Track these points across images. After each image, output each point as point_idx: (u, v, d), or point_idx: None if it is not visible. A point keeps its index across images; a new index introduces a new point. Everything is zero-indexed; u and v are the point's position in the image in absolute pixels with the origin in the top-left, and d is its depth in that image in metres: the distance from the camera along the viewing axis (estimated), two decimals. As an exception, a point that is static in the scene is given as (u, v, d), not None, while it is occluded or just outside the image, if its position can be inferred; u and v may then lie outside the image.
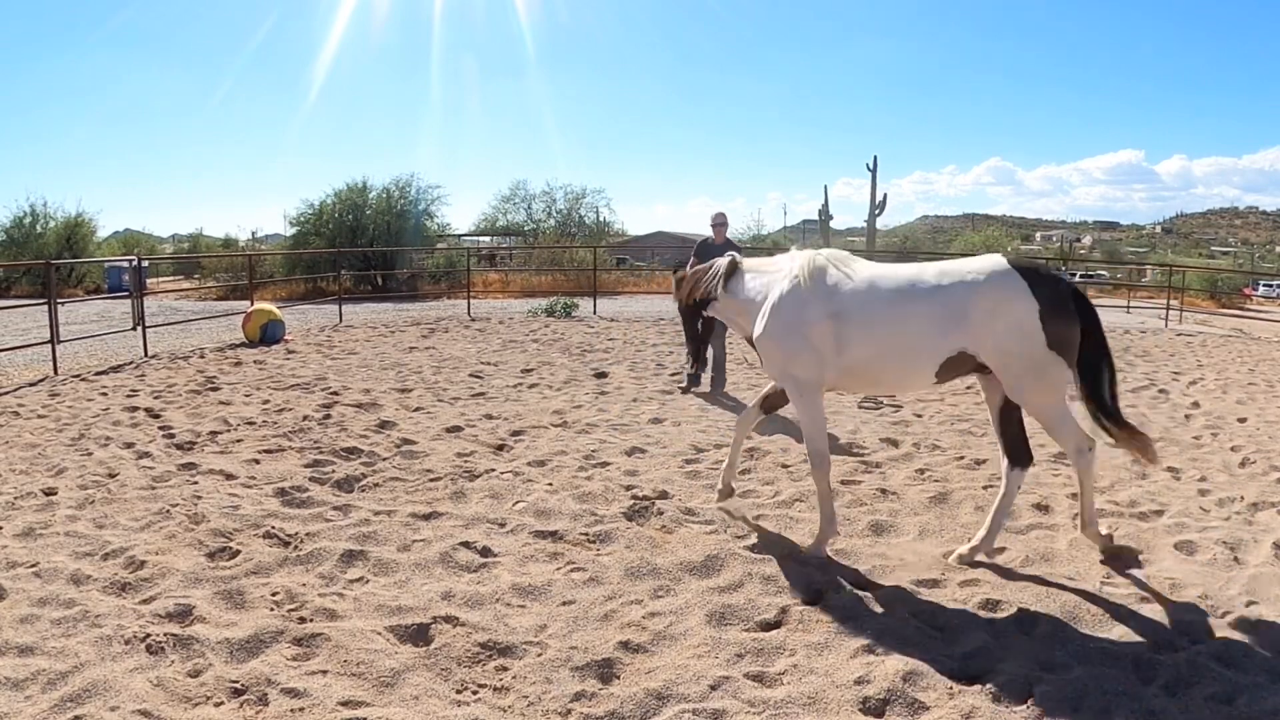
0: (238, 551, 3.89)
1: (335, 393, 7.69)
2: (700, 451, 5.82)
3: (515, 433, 6.33)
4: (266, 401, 7.30)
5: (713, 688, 2.81)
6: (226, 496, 4.68)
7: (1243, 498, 4.84)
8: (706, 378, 7.93)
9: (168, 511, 4.38)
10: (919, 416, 7.08)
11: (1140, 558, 3.97)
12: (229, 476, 5.06)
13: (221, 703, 2.72)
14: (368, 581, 3.65)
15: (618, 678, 2.91)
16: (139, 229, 53.64)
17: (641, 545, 4.04)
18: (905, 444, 6.05)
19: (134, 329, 11.66)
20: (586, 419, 6.81)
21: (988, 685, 2.83)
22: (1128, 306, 23.65)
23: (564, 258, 28.57)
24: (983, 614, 3.34)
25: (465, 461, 5.50)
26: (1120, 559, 3.90)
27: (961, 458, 5.69)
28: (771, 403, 4.46)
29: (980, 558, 3.91)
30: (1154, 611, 3.38)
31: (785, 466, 5.46)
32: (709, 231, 8.19)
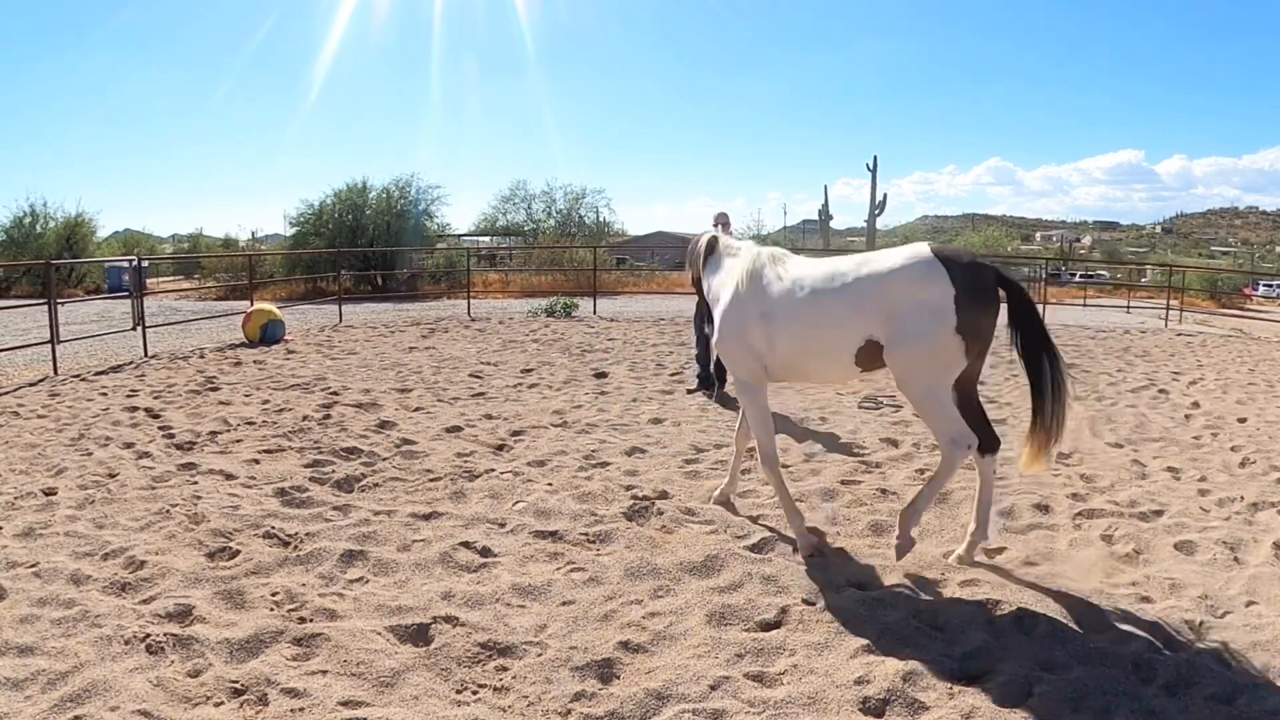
0: (238, 551, 3.89)
1: (335, 393, 7.69)
2: (700, 451, 5.82)
3: (515, 433, 6.33)
4: (266, 401, 7.30)
5: (713, 688, 2.81)
6: (226, 496, 4.68)
7: (1243, 498, 4.84)
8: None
9: (168, 511, 4.38)
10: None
11: (1142, 558, 3.97)
12: (229, 476, 5.06)
13: (221, 703, 2.72)
14: (368, 581, 3.65)
15: (618, 678, 2.91)
16: (139, 229, 53.75)
17: (641, 545, 4.03)
18: (905, 444, 6.05)
19: (134, 329, 11.66)
20: (586, 419, 6.81)
21: (988, 685, 2.83)
22: (1128, 306, 23.66)
23: (564, 258, 28.58)
24: (983, 614, 3.34)
25: (465, 461, 5.50)
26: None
27: (961, 458, 5.68)
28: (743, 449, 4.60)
29: (980, 556, 3.91)
30: (1154, 611, 3.38)
31: (785, 466, 5.45)
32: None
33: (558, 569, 3.78)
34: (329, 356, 10.22)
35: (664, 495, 4.78)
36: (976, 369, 3.81)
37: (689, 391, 8.02)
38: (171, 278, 34.15)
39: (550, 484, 4.99)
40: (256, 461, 5.43)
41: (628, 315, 16.13)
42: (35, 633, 3.13)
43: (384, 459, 5.53)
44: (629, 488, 4.89)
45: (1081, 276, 39.57)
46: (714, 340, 4.22)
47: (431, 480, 5.07)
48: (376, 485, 4.99)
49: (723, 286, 4.22)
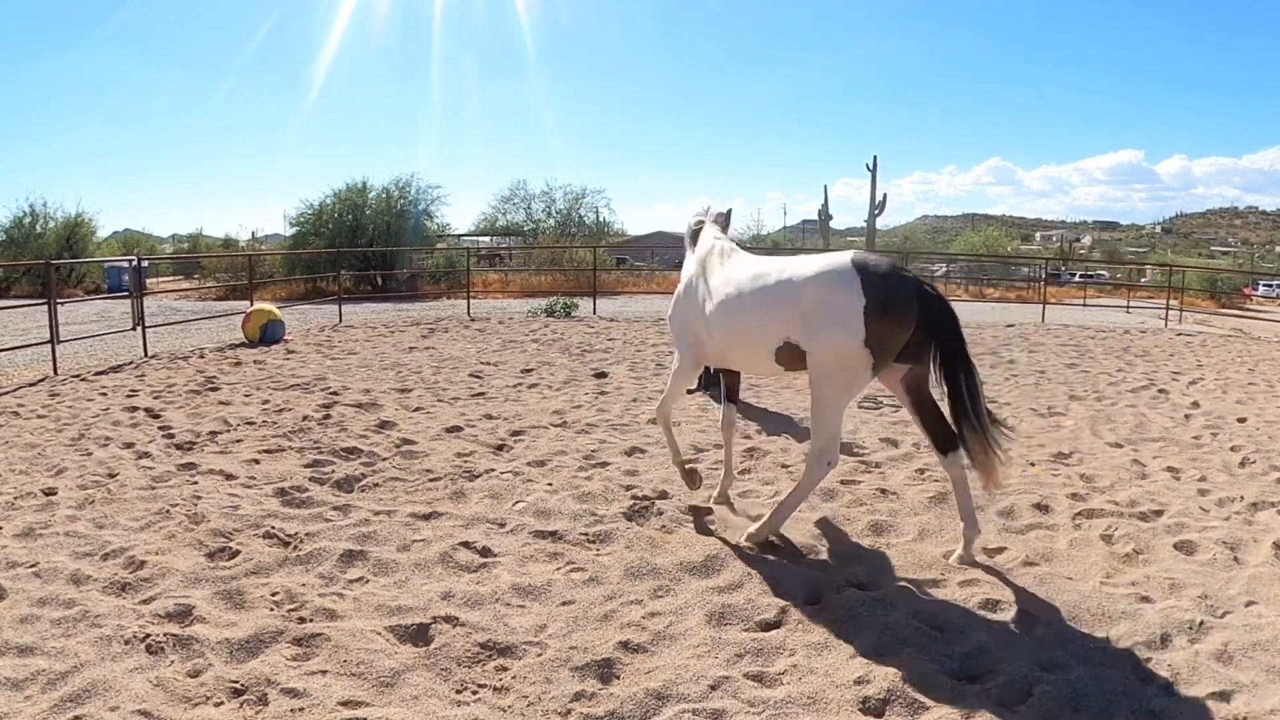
0: (237, 551, 3.89)
1: (335, 393, 7.69)
2: (700, 451, 5.82)
3: (515, 433, 6.33)
4: (266, 401, 7.30)
5: (713, 688, 2.81)
6: (226, 496, 4.68)
7: (1243, 498, 4.84)
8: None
9: (167, 511, 4.38)
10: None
11: (1142, 558, 3.97)
12: (229, 476, 5.06)
13: (221, 703, 2.72)
14: (368, 581, 3.64)
15: (618, 678, 2.91)
16: (139, 229, 53.75)
17: (641, 545, 4.03)
18: (905, 444, 6.05)
19: (134, 329, 11.66)
20: (586, 419, 6.81)
21: (988, 685, 2.83)
22: (1127, 306, 23.67)
23: (564, 258, 28.58)
24: (983, 614, 3.34)
25: (465, 461, 5.50)
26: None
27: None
28: (731, 389, 4.71)
29: (980, 556, 3.91)
30: (1154, 611, 3.38)
31: (785, 466, 5.46)
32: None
33: (558, 569, 3.78)
34: (329, 356, 10.22)
35: (664, 495, 4.78)
36: (924, 371, 3.79)
37: (689, 391, 8.01)
38: (171, 278, 34.14)
39: (550, 484, 4.99)
40: (256, 461, 5.43)
41: (628, 315, 16.13)
42: (35, 633, 3.13)
43: (384, 459, 5.53)
44: (629, 488, 4.89)
45: (1081, 276, 39.56)
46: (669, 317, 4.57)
47: (431, 480, 5.07)
48: (376, 485, 4.99)
49: (683, 272, 4.56)
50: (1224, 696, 2.77)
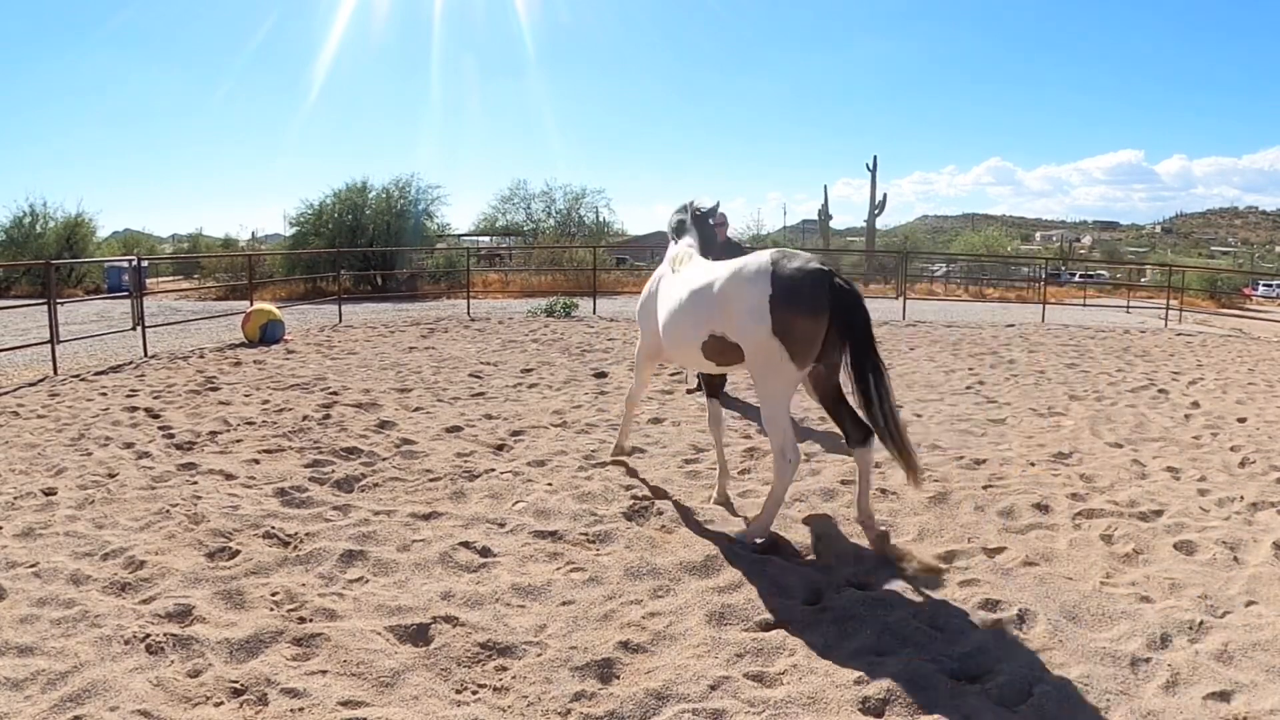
0: (237, 551, 3.89)
1: (335, 393, 7.69)
2: (700, 451, 5.81)
3: (515, 433, 6.33)
4: (266, 401, 7.30)
5: (713, 688, 2.81)
6: (226, 496, 4.68)
7: (1243, 498, 4.84)
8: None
9: (167, 511, 4.38)
10: (919, 416, 7.08)
11: (1142, 558, 3.97)
12: (229, 476, 5.06)
13: (221, 703, 2.72)
14: (367, 581, 3.64)
15: (618, 678, 2.91)
16: (139, 229, 53.79)
17: (641, 545, 4.03)
18: (905, 444, 6.04)
19: (134, 329, 11.66)
20: (586, 419, 6.81)
21: (988, 685, 2.83)
22: (1127, 306, 23.68)
23: (564, 258, 28.56)
24: (983, 614, 3.34)
25: (465, 461, 5.49)
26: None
27: (961, 458, 5.69)
28: (713, 387, 4.90)
29: (980, 557, 3.90)
30: (1154, 611, 3.38)
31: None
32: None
33: (558, 569, 3.78)
34: (329, 356, 10.22)
35: (664, 495, 4.78)
36: (835, 367, 3.89)
37: (689, 391, 8.01)
38: (171, 278, 34.13)
39: (550, 484, 4.99)
40: (256, 461, 5.43)
41: (628, 315, 16.13)
42: (35, 633, 3.13)
43: (384, 459, 5.53)
44: (629, 488, 4.89)
45: (1081, 276, 39.58)
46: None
47: (431, 480, 5.07)
48: (376, 485, 4.99)
49: (656, 270, 4.98)
50: (1224, 696, 2.77)
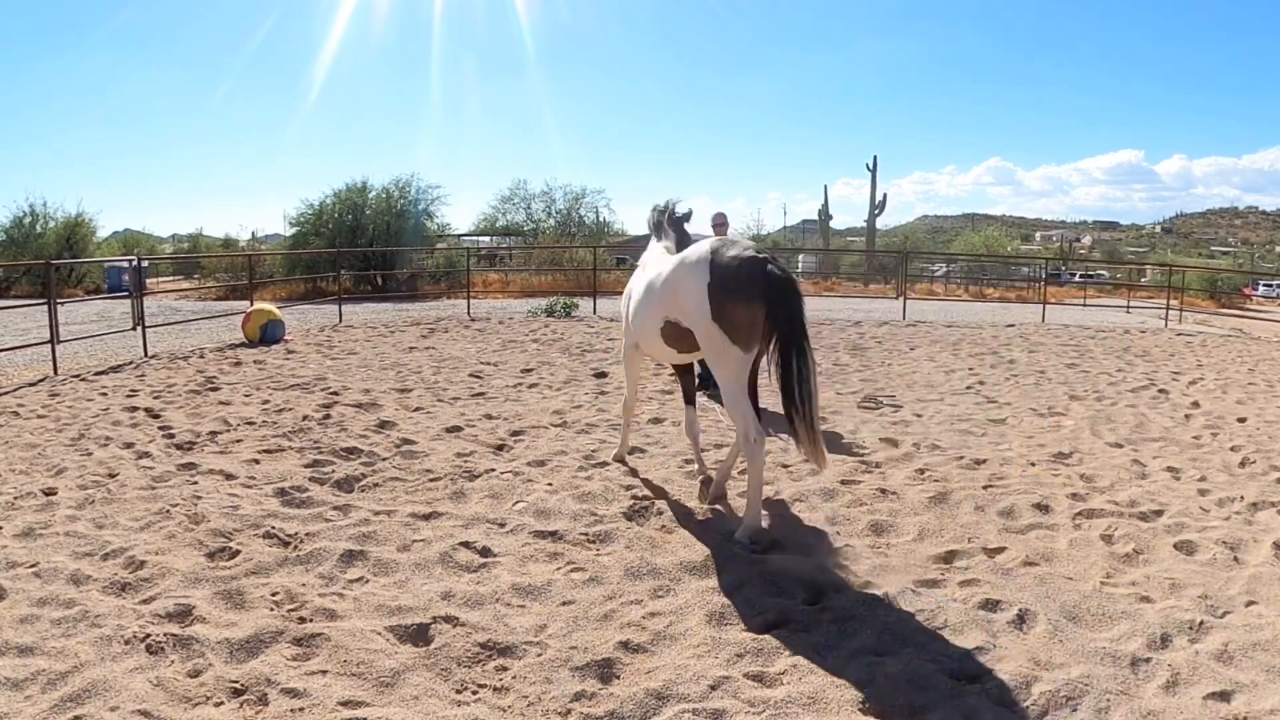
0: (238, 551, 3.89)
1: (335, 393, 7.69)
2: (700, 451, 5.81)
3: (515, 433, 6.33)
4: (266, 401, 7.30)
5: (713, 688, 2.81)
6: (226, 496, 4.68)
7: (1243, 498, 4.84)
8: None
9: (168, 511, 4.38)
10: (919, 416, 7.08)
11: (1142, 558, 3.97)
12: (229, 476, 5.06)
13: (221, 703, 2.72)
14: (368, 581, 3.65)
15: (618, 678, 2.91)
16: (139, 229, 53.83)
17: (641, 545, 4.04)
18: (905, 444, 6.05)
19: (134, 329, 11.66)
20: (586, 419, 6.81)
21: (988, 685, 2.83)
22: (1128, 306, 23.68)
23: (564, 258, 28.55)
24: (983, 614, 3.34)
25: (465, 461, 5.50)
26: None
27: (961, 458, 5.69)
28: (687, 392, 5.11)
29: (980, 556, 3.91)
30: (1154, 611, 3.38)
31: (785, 466, 5.46)
32: (710, 232, 8.19)
33: (558, 569, 3.78)
34: (329, 356, 10.22)
35: (664, 495, 4.78)
36: (760, 352, 4.01)
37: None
38: (171, 278, 34.12)
39: (550, 484, 4.99)
40: (256, 461, 5.43)
41: (628, 315, 16.12)
42: (35, 633, 3.13)
43: (384, 459, 5.53)
44: (629, 488, 4.89)
45: (1081, 276, 39.57)
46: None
47: (431, 480, 5.07)
48: (376, 485, 4.99)
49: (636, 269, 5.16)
50: (1224, 696, 2.77)
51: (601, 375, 8.98)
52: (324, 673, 2.89)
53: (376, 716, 2.66)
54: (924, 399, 7.84)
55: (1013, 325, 15.29)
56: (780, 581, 3.61)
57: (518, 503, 4.65)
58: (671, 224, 5.02)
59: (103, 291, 23.87)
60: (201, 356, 10.17)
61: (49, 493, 4.74)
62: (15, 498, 4.63)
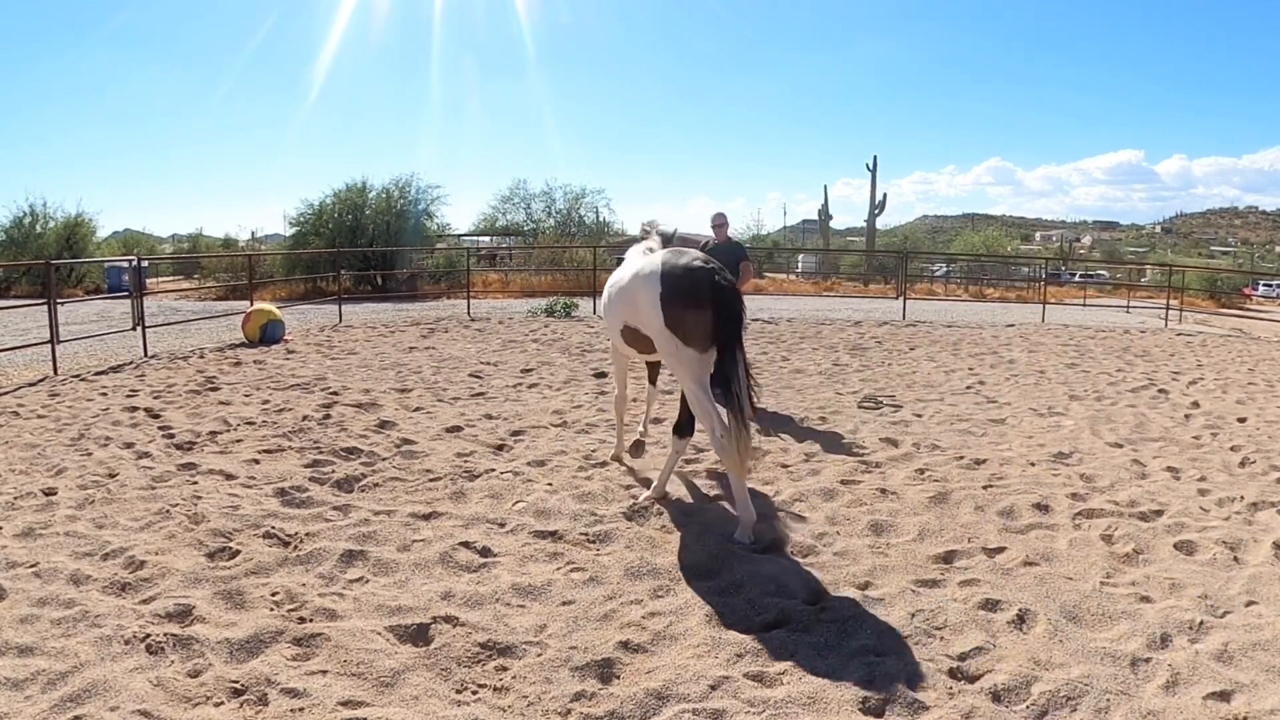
0: (238, 551, 3.89)
1: (335, 393, 7.69)
2: (700, 451, 5.81)
3: (515, 433, 6.33)
4: (266, 401, 7.30)
5: (713, 688, 2.81)
6: (226, 496, 4.68)
7: (1243, 498, 4.85)
8: None
9: (167, 511, 4.38)
10: (919, 416, 7.08)
11: (1142, 558, 3.97)
12: (229, 476, 5.06)
13: (221, 703, 2.72)
14: (368, 581, 3.65)
15: (618, 678, 2.91)
16: (139, 229, 53.84)
17: (641, 545, 4.04)
18: (905, 444, 6.05)
19: (134, 329, 11.66)
20: (586, 419, 6.81)
21: (988, 685, 2.83)
22: (1128, 306, 23.68)
23: (564, 258, 28.55)
24: (983, 614, 3.34)
25: (465, 461, 5.50)
26: None
27: (961, 458, 5.69)
28: (650, 373, 5.66)
29: (980, 557, 3.91)
30: (1154, 611, 3.38)
31: (785, 466, 5.46)
32: (709, 232, 8.19)
33: (558, 569, 3.78)
34: (329, 356, 10.22)
35: (664, 495, 4.78)
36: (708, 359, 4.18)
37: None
38: (171, 278, 34.10)
39: (550, 484, 4.99)
40: (256, 461, 5.43)
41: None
42: (35, 633, 3.13)
43: (384, 459, 5.53)
44: (629, 488, 4.89)
45: (1081, 276, 39.57)
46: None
47: (431, 480, 5.07)
48: (376, 485, 4.99)
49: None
50: (1224, 696, 2.77)
51: (601, 375, 8.98)
52: (324, 673, 2.89)
53: (376, 716, 2.66)
54: (924, 399, 7.84)
55: (1013, 325, 15.29)
56: (780, 581, 3.61)
57: (518, 503, 4.65)
58: (658, 234, 5.20)
59: (103, 291, 23.86)
60: (201, 356, 10.17)
61: (49, 493, 4.74)
62: (15, 498, 4.63)
